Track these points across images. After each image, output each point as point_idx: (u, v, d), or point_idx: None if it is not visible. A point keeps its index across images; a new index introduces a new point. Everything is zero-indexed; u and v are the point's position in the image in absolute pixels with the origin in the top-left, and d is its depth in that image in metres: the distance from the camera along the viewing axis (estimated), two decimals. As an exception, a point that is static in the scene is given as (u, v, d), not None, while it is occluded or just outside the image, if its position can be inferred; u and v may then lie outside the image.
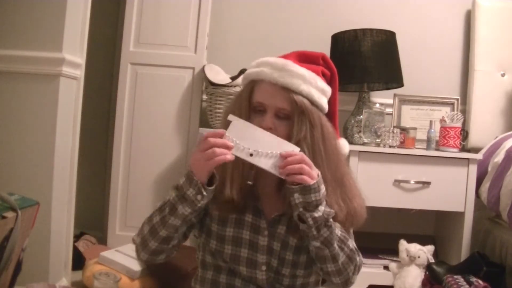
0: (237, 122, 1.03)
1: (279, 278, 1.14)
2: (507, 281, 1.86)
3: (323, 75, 1.16)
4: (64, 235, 1.82)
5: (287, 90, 1.08)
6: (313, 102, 1.10)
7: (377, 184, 2.14)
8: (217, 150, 0.97)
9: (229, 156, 0.98)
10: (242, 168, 1.09)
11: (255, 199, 1.13)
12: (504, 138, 2.22)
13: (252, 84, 1.12)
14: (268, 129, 1.07)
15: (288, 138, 1.07)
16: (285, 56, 1.14)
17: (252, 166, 1.07)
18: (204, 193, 1.00)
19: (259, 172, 1.11)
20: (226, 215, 1.13)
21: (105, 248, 2.18)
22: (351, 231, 1.19)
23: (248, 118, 1.10)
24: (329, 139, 1.12)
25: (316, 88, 1.11)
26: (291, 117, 1.09)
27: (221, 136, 0.99)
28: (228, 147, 0.98)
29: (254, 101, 1.11)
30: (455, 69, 2.64)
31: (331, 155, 1.11)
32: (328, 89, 1.15)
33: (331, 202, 1.07)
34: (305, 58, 1.16)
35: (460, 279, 1.77)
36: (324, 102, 1.13)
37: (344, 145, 1.24)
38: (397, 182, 2.14)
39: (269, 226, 1.12)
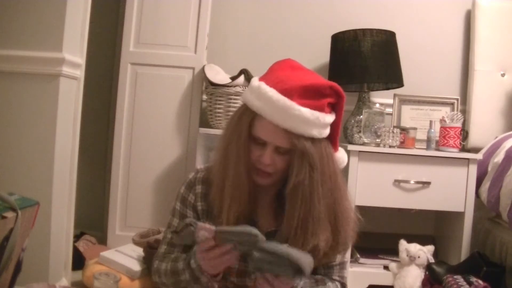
0: None
1: None
2: (507, 281, 1.86)
3: (328, 103, 1.11)
4: (64, 235, 1.82)
5: (289, 132, 1.05)
6: (314, 140, 1.07)
7: (377, 184, 2.14)
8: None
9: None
10: (240, 197, 1.09)
11: (251, 211, 1.12)
12: (504, 138, 2.22)
13: (253, 115, 1.08)
14: (267, 165, 1.08)
15: (286, 176, 1.08)
16: (289, 91, 1.06)
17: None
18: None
19: (256, 185, 1.12)
20: None
21: (105, 248, 2.18)
22: (344, 257, 1.21)
23: (247, 148, 1.09)
24: (328, 174, 1.09)
25: (318, 127, 1.07)
26: (290, 152, 1.07)
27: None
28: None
29: (254, 132, 1.09)
30: (455, 69, 2.64)
31: (328, 191, 1.08)
32: (331, 119, 1.11)
33: (319, 239, 1.06)
34: (310, 93, 1.08)
35: (460, 279, 1.77)
36: (326, 133, 1.10)
37: (342, 157, 1.19)
38: (397, 182, 2.14)
39: None
